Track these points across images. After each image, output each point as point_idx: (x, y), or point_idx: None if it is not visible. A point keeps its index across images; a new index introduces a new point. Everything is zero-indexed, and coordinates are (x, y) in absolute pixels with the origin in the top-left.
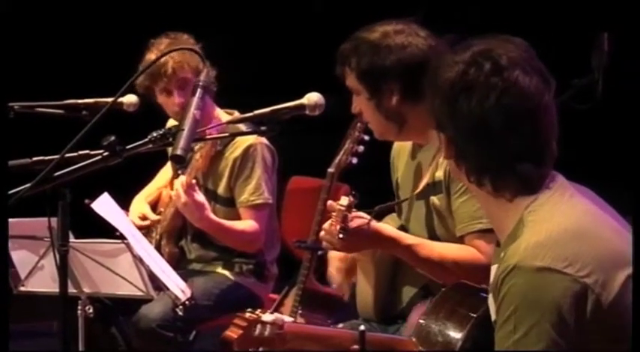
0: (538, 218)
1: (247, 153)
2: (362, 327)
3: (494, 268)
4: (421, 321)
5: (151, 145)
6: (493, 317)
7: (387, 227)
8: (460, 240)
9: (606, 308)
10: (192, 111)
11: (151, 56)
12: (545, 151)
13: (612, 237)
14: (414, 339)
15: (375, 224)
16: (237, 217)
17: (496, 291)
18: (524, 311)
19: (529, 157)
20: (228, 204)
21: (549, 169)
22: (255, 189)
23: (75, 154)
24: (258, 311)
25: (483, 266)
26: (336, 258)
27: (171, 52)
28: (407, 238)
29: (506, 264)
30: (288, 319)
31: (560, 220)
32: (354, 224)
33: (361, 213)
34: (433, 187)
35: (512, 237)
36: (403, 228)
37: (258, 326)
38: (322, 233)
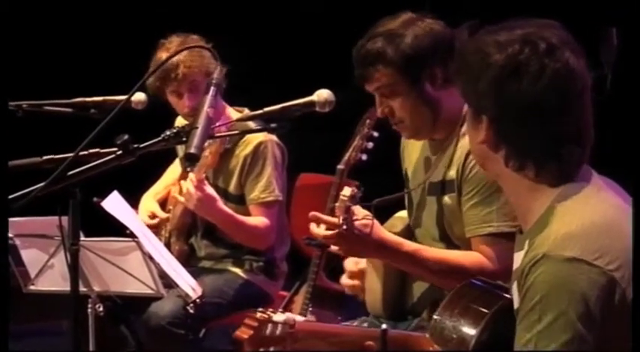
0: (568, 208)
1: (258, 150)
2: (384, 326)
3: (517, 255)
4: (435, 317)
5: (164, 144)
6: (515, 305)
7: (390, 234)
8: (469, 242)
9: (631, 304)
10: (206, 109)
11: (161, 56)
12: (588, 135)
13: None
14: (427, 335)
15: (377, 227)
16: (248, 215)
17: (522, 280)
18: (550, 300)
19: (575, 140)
20: (239, 202)
21: (587, 155)
22: (265, 187)
23: (86, 153)
24: (269, 311)
25: (489, 272)
26: (349, 262)
27: (183, 51)
28: (410, 244)
29: (535, 253)
30: (299, 318)
31: (590, 212)
32: (357, 224)
33: (363, 210)
34: (445, 185)
35: (540, 226)
36: (410, 229)
37: (269, 326)
38: (314, 230)
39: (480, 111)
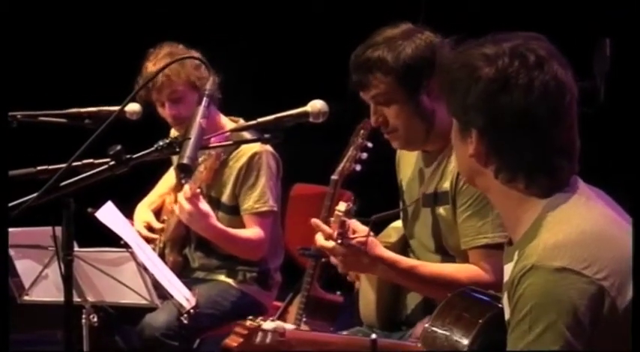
0: (556, 219)
1: (252, 160)
2: (373, 335)
3: (506, 267)
4: (427, 326)
5: (157, 154)
6: (507, 316)
7: (387, 251)
8: (465, 253)
9: (621, 313)
10: (199, 119)
11: (148, 66)
12: (576, 146)
13: (628, 241)
14: (419, 345)
15: (373, 244)
16: (241, 225)
17: (512, 291)
18: (540, 311)
19: (564, 151)
20: (232, 212)
21: (576, 165)
22: (259, 197)
23: (79, 163)
24: (259, 319)
25: (486, 283)
26: None
27: (175, 62)
28: (406, 261)
29: (524, 264)
30: (289, 326)
31: (579, 222)
32: (353, 241)
33: (359, 224)
34: (439, 197)
35: (529, 237)
36: (405, 240)
37: (259, 334)
38: (318, 239)
39: (469, 124)
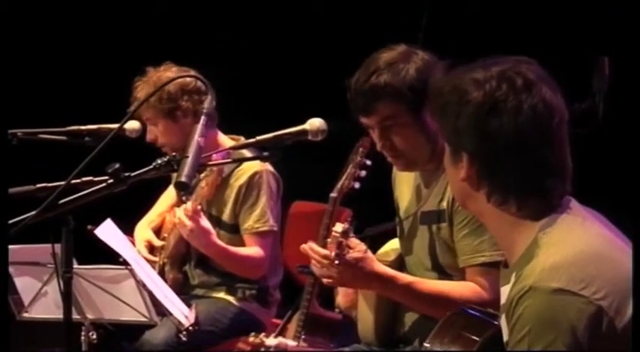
0: (552, 240)
1: (252, 180)
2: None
3: (503, 289)
4: (426, 345)
5: (155, 172)
6: (505, 337)
7: (384, 266)
8: (462, 271)
9: (619, 332)
10: (197, 138)
11: (138, 88)
12: (568, 167)
13: (625, 261)
14: None
15: (370, 259)
16: (241, 244)
17: (510, 312)
18: (538, 332)
19: (555, 172)
20: (233, 231)
21: (569, 186)
22: (260, 216)
23: (78, 181)
24: (261, 336)
25: (484, 301)
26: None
27: (177, 79)
28: (404, 277)
29: (522, 285)
30: (291, 342)
31: (575, 243)
32: (350, 256)
33: (356, 240)
34: (437, 215)
35: (526, 258)
36: (402, 259)
37: (262, 350)
38: (314, 261)
39: (459, 148)
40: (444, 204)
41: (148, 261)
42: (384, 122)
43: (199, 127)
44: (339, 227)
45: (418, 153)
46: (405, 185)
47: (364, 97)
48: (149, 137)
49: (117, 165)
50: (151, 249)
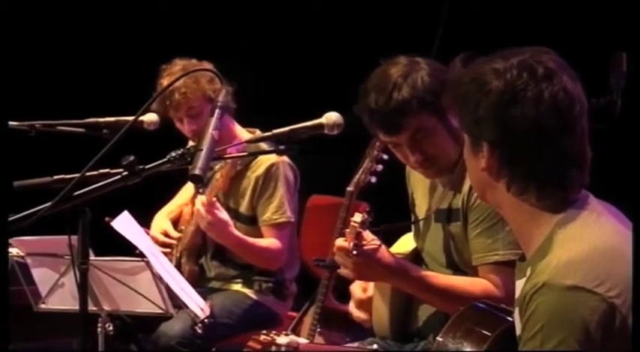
0: (568, 235)
1: (270, 171)
2: (375, 346)
3: (518, 283)
4: (439, 339)
5: (169, 165)
6: (518, 332)
7: (397, 258)
8: (475, 269)
9: (632, 330)
10: (210, 131)
11: (162, 82)
12: (587, 158)
13: None
14: None
15: (385, 252)
16: (259, 235)
17: (523, 307)
18: (552, 328)
19: (575, 162)
20: (250, 223)
21: (587, 179)
22: (277, 208)
23: (95, 173)
24: (272, 333)
25: (496, 299)
26: (357, 289)
27: (182, 77)
28: (417, 270)
29: (536, 281)
30: (302, 340)
31: (591, 239)
32: (366, 248)
33: (369, 234)
34: (452, 213)
35: (541, 253)
36: (417, 253)
37: (273, 348)
38: (335, 249)
39: (480, 138)
40: (459, 201)
41: (163, 244)
42: (415, 136)
43: (213, 120)
44: (357, 217)
45: (449, 157)
46: (420, 183)
47: (391, 117)
48: (193, 127)
49: (131, 158)
50: (166, 238)
